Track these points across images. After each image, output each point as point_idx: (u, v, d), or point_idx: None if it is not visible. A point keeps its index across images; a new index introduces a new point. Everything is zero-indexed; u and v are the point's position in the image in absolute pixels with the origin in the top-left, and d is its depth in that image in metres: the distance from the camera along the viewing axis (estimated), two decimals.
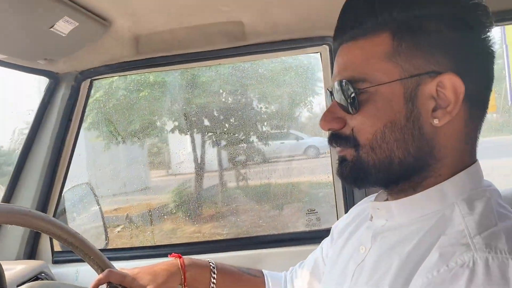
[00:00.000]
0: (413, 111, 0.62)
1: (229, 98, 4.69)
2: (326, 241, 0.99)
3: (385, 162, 0.64)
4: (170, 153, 5.34)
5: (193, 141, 4.63)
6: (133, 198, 4.89)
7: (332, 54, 1.44)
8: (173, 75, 4.52)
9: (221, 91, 4.63)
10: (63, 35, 1.10)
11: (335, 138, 0.69)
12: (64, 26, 1.06)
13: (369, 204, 0.76)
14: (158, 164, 5.46)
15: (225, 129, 4.63)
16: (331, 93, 0.70)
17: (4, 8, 0.90)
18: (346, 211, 1.38)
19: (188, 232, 4.36)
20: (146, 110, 4.69)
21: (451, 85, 0.60)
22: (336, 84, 0.67)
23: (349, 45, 0.67)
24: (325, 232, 1.53)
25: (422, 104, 0.62)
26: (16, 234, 1.52)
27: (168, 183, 5.17)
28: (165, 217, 4.63)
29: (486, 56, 0.64)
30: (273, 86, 4.32)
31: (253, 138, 4.65)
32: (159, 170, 5.52)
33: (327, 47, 1.45)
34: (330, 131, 0.71)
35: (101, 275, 0.91)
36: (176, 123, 4.74)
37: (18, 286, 1.13)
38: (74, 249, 0.92)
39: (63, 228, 0.89)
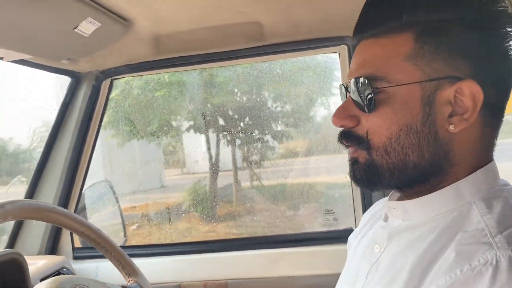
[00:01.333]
0: (430, 115, 0.61)
1: (244, 98, 4.69)
2: None
3: (399, 165, 0.63)
4: (185, 152, 5.37)
5: (208, 141, 4.65)
6: (148, 196, 4.94)
7: (350, 53, 1.44)
8: (191, 75, 4.54)
9: (236, 90, 4.63)
10: (86, 35, 1.12)
11: (347, 136, 0.68)
12: (87, 26, 1.08)
13: (384, 204, 0.76)
14: (173, 163, 5.50)
15: (240, 129, 4.64)
16: (346, 89, 0.69)
17: (32, 11, 0.92)
18: (364, 211, 1.38)
19: (202, 231, 4.39)
20: (162, 109, 4.72)
21: (470, 92, 0.60)
22: (353, 81, 0.65)
23: (369, 41, 0.66)
24: (342, 232, 1.54)
25: (439, 109, 0.61)
26: (38, 230, 1.55)
27: (183, 181, 5.20)
28: (183, 215, 4.66)
29: (506, 63, 0.63)
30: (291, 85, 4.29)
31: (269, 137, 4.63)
32: (175, 168, 5.56)
33: (345, 47, 1.45)
34: (342, 128, 0.70)
35: None
36: (192, 122, 4.76)
37: (41, 280, 1.16)
38: (97, 246, 0.94)
39: (87, 225, 0.91)
